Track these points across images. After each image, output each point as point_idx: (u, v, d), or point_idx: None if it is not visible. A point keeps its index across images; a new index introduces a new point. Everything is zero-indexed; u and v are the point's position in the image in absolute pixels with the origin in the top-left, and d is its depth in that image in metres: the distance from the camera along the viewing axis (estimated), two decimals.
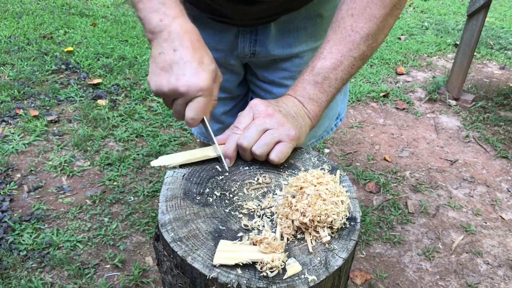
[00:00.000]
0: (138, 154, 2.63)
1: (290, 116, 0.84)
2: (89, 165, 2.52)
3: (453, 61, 3.43)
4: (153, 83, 0.81)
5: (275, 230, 0.71)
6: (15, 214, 2.14)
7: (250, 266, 0.65)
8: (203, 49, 0.82)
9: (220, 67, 1.18)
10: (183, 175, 0.83)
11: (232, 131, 0.83)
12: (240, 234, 0.71)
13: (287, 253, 0.68)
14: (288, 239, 0.71)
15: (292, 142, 0.82)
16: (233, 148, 0.83)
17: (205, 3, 1.03)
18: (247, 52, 1.12)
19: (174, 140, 2.78)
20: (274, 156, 0.81)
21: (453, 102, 3.44)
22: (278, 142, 0.81)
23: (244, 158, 0.85)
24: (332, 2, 1.08)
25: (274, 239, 0.67)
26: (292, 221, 0.71)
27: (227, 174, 0.84)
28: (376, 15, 0.86)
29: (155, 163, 0.83)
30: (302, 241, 0.71)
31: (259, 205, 0.77)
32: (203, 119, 0.84)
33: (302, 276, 0.64)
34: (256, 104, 0.84)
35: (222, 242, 0.67)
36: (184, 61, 0.80)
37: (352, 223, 0.74)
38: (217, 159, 0.87)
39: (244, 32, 1.09)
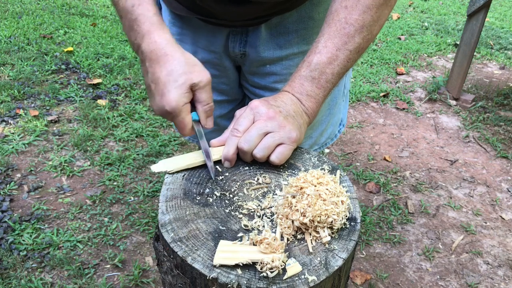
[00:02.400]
0: (138, 154, 2.63)
1: (290, 117, 0.83)
2: (89, 165, 2.52)
3: (453, 61, 3.43)
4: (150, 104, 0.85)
5: (275, 230, 0.71)
6: (15, 214, 2.14)
7: (250, 267, 0.65)
8: (170, 62, 0.80)
9: (215, 69, 1.17)
10: (183, 175, 0.83)
11: (232, 134, 0.83)
12: (240, 234, 0.71)
13: (287, 253, 0.68)
14: (288, 240, 0.71)
15: (293, 144, 0.82)
16: (233, 150, 0.82)
17: (195, 4, 1.03)
18: (237, 53, 1.11)
19: (174, 140, 2.78)
20: (275, 158, 0.81)
21: (453, 102, 3.44)
22: (279, 144, 0.81)
23: (244, 160, 0.85)
24: (324, 5, 1.07)
25: (274, 239, 0.67)
26: (292, 221, 0.71)
27: (227, 174, 0.84)
28: (370, 6, 0.85)
29: (155, 168, 0.83)
30: (302, 242, 0.71)
31: (259, 205, 0.77)
32: (193, 129, 0.85)
33: (302, 277, 0.64)
34: (257, 105, 0.83)
35: (222, 243, 0.67)
36: (154, 83, 0.81)
37: (352, 223, 0.74)
38: (218, 161, 0.87)
39: (234, 32, 1.08)
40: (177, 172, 0.83)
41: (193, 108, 0.86)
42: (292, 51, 1.11)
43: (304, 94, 0.87)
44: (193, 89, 0.82)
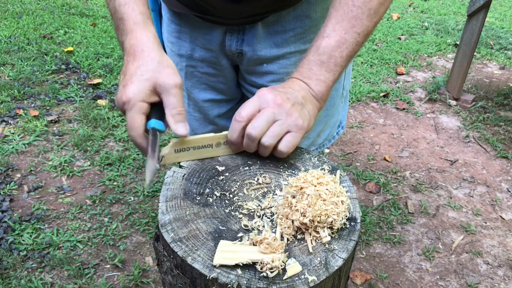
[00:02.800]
0: (138, 154, 2.63)
1: (298, 104, 0.82)
2: (89, 165, 2.52)
3: (453, 61, 3.43)
4: None
5: (275, 230, 0.71)
6: (15, 214, 2.14)
7: (250, 267, 0.65)
8: (144, 58, 0.79)
9: (213, 68, 1.17)
10: (183, 175, 0.83)
11: (235, 118, 0.81)
12: (240, 234, 0.71)
13: (287, 253, 0.68)
14: (288, 240, 0.71)
15: (301, 132, 0.81)
16: (236, 135, 0.81)
17: (192, 0, 1.02)
18: (234, 51, 1.11)
19: None
20: (283, 147, 0.80)
21: (453, 102, 3.44)
22: (286, 132, 0.80)
23: (249, 149, 0.83)
24: (322, 4, 1.06)
25: (274, 240, 0.67)
26: (292, 221, 0.71)
27: (227, 174, 0.84)
28: None
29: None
30: (302, 242, 0.71)
31: (259, 205, 0.77)
32: (145, 136, 0.78)
33: (302, 277, 0.64)
34: (264, 93, 0.82)
35: (222, 243, 0.67)
36: (123, 75, 0.80)
37: (352, 223, 0.74)
38: (217, 159, 0.87)
39: (231, 30, 1.08)
40: (177, 170, 0.83)
41: (163, 116, 0.79)
42: (289, 50, 1.10)
43: (314, 78, 0.87)
44: (157, 90, 0.78)
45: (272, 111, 0.79)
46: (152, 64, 0.78)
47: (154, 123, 0.77)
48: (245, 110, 0.81)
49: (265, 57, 1.10)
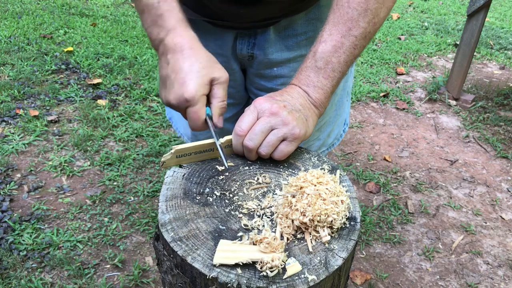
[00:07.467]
0: (138, 154, 2.63)
1: (295, 111, 0.83)
2: (89, 165, 2.52)
3: (453, 61, 3.43)
4: (160, 96, 0.87)
5: (275, 229, 0.72)
6: (15, 214, 2.14)
7: (250, 266, 0.65)
8: (195, 55, 0.83)
9: None
10: (183, 175, 0.83)
11: (236, 132, 0.83)
12: (240, 233, 0.71)
13: (287, 252, 0.68)
14: (288, 239, 0.71)
15: (296, 141, 0.82)
16: (241, 148, 0.84)
17: (203, 5, 1.02)
18: (245, 54, 1.10)
19: (174, 140, 2.79)
20: (277, 156, 0.83)
21: (453, 102, 3.44)
22: (282, 140, 0.82)
23: (250, 158, 0.85)
24: None
25: (274, 239, 0.67)
26: (292, 220, 0.71)
27: (227, 173, 0.84)
28: None
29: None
30: (302, 241, 0.71)
31: (259, 205, 0.77)
32: (206, 121, 0.84)
33: (302, 276, 0.65)
34: (260, 103, 0.83)
35: (222, 242, 0.67)
36: (175, 73, 0.82)
37: (352, 223, 0.74)
38: (217, 158, 0.87)
39: (242, 34, 1.08)
40: (177, 169, 0.83)
41: (208, 104, 0.86)
42: (300, 53, 1.10)
43: (311, 86, 0.87)
44: (212, 83, 0.84)
45: (268, 120, 0.81)
46: (204, 61, 0.83)
47: (208, 110, 0.86)
48: (244, 123, 0.82)
49: (276, 61, 1.10)
